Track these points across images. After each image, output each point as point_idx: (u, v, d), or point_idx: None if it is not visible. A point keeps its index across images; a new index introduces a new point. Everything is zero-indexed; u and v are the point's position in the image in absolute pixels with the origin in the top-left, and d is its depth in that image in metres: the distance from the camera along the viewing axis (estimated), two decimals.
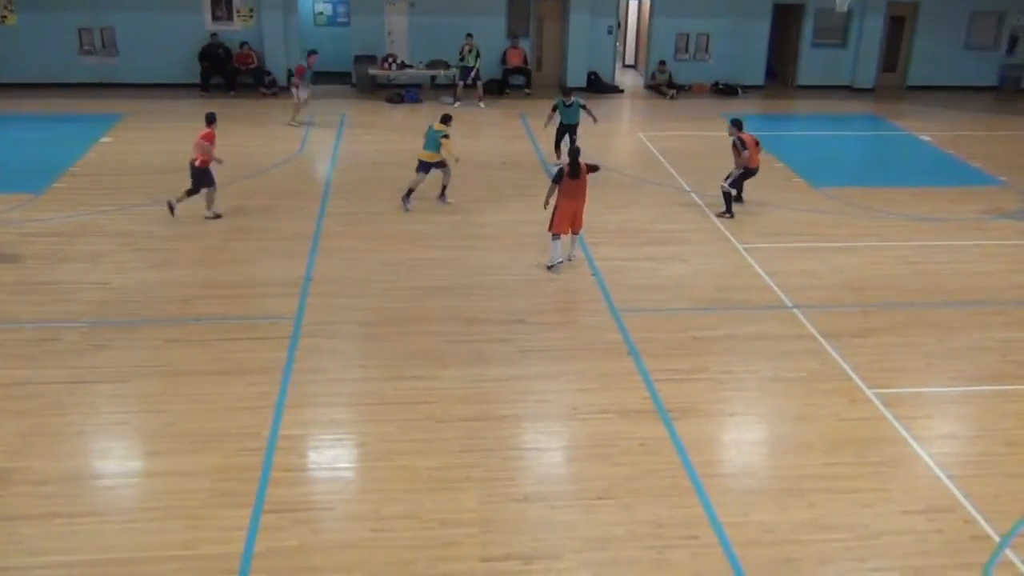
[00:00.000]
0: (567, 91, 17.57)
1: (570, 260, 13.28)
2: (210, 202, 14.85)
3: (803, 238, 14.60)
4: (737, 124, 15.56)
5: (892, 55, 26.16)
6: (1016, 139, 21.69)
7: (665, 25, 25.36)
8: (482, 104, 22.92)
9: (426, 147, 15.26)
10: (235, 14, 23.94)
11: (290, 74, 22.05)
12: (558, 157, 17.51)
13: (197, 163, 14.54)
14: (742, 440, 9.39)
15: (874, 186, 17.42)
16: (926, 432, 9.46)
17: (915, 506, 8.25)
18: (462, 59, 23.35)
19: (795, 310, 12.04)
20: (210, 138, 14.54)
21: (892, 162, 19.93)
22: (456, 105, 22.87)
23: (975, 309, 12.26)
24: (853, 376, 10.42)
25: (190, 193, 14.78)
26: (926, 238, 14.77)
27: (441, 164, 15.45)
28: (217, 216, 14.81)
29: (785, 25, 25.74)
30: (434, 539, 7.66)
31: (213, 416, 9.32)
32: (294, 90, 20.74)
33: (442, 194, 15.83)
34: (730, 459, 9.05)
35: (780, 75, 26.52)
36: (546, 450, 9.04)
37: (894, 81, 26.27)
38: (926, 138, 21.18)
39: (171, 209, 14.80)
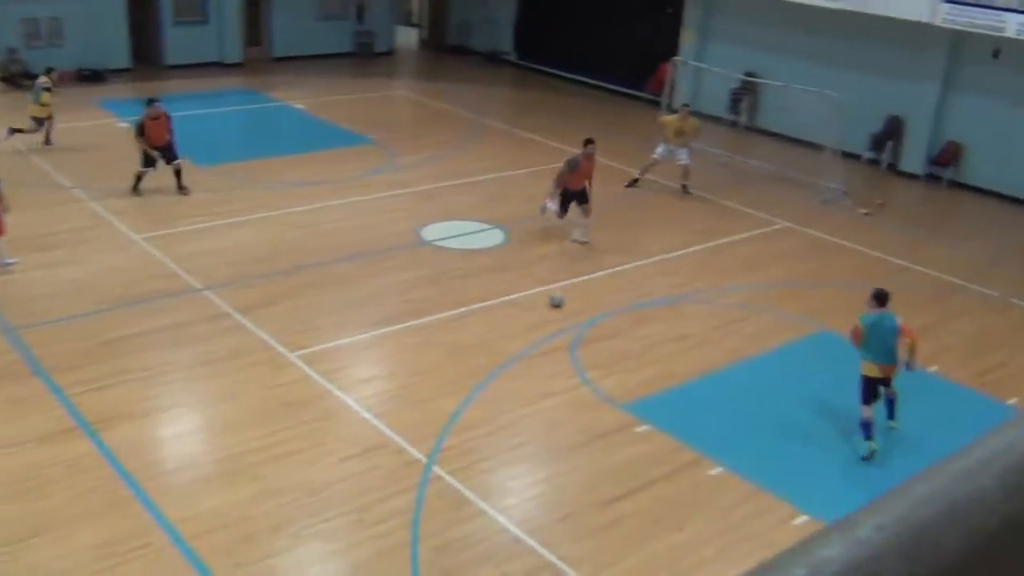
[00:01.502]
0: None
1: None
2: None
3: (200, 219, 14.48)
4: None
5: (255, 29, 26.82)
6: (376, 100, 23.77)
7: (7, 11, 22.97)
8: None
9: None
10: None
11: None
12: None
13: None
14: (178, 433, 9.15)
15: (260, 158, 17.83)
16: (348, 381, 10.10)
17: (351, 451, 8.80)
18: None
19: (206, 292, 11.95)
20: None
21: (273, 132, 20.61)
22: None
23: (369, 259, 13.30)
24: (274, 344, 10.70)
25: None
26: (316, 200, 15.58)
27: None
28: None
29: (142, 4, 24.92)
30: None
31: None
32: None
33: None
34: (169, 456, 8.78)
35: (147, 56, 25.70)
36: None
37: (261, 54, 26.99)
38: (299, 106, 22.20)
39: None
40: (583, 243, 14.18)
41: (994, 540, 1.04)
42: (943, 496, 1.08)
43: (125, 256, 12.97)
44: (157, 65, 25.33)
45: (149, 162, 15.28)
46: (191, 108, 21.85)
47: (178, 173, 15.47)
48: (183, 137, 18.04)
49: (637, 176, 17.05)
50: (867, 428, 9.16)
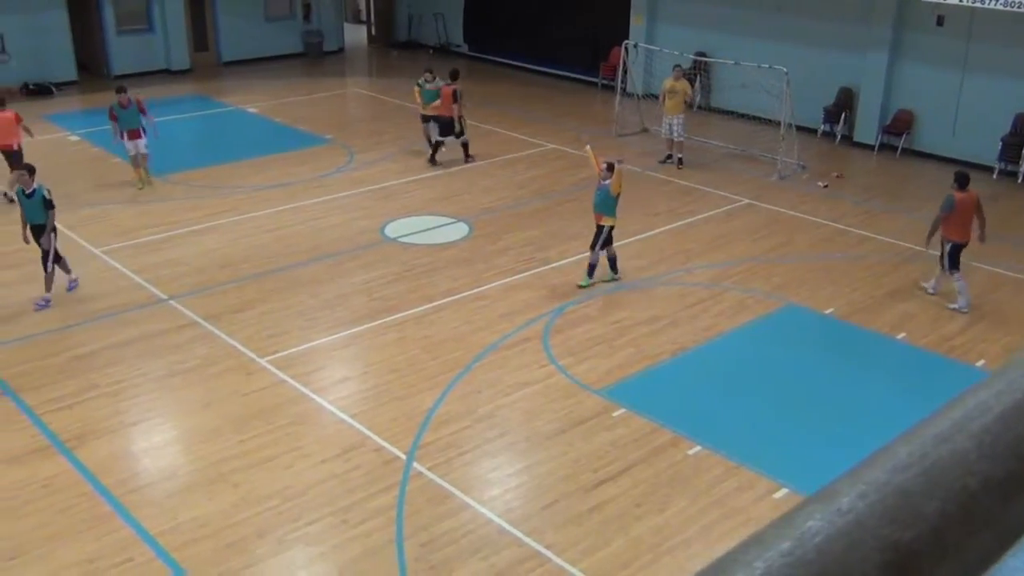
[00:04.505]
0: None
1: None
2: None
3: (161, 228, 14.34)
4: (453, 75, 17.59)
5: (201, 34, 26.54)
6: (330, 99, 23.64)
7: None
8: None
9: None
10: None
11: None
12: None
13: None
14: (152, 446, 9.09)
15: (217, 164, 17.67)
16: (322, 383, 10.08)
17: (330, 453, 8.80)
18: None
19: (171, 301, 11.86)
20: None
21: (228, 138, 20.42)
22: None
23: (335, 260, 13.26)
24: (244, 350, 10.64)
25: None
26: (277, 204, 15.49)
27: None
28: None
29: (84, 15, 24.57)
30: None
31: None
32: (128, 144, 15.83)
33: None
34: (145, 469, 8.72)
35: (93, 67, 25.36)
36: None
37: (209, 59, 26.72)
38: (253, 110, 22.03)
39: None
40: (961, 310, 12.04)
41: (974, 500, 1.09)
42: (922, 460, 1.12)
43: (86, 270, 12.81)
44: (104, 76, 24.99)
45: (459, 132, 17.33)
46: None
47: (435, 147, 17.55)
48: None
49: (668, 152, 17.87)
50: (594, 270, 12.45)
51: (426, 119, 17.72)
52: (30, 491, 8.20)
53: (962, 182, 12.03)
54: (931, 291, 12.33)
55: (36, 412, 9.39)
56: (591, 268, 12.36)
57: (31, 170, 11.90)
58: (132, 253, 13.35)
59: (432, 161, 17.52)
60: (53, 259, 11.72)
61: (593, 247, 12.34)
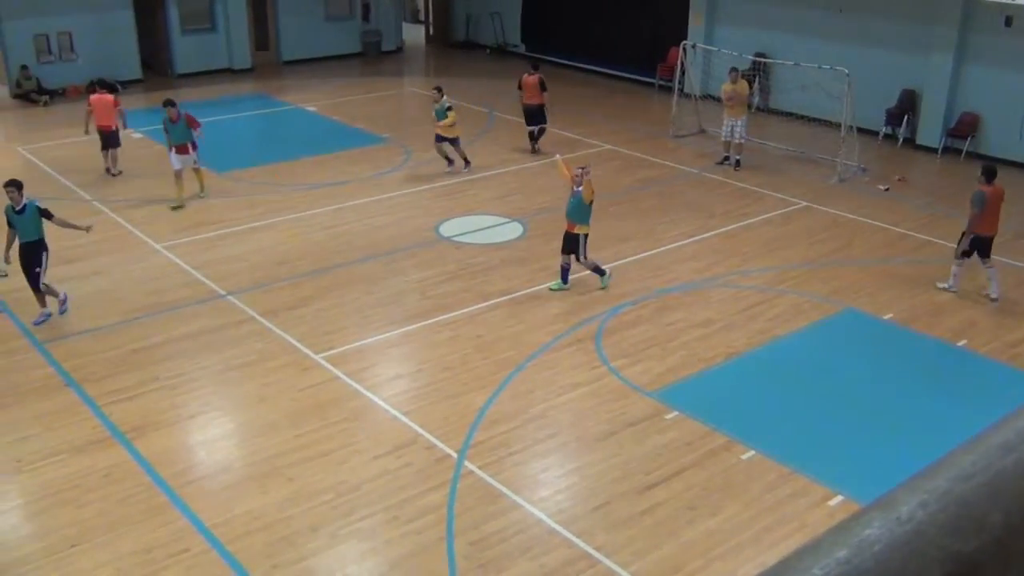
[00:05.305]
0: None
1: None
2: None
3: (220, 225, 14.58)
4: (534, 66, 18.55)
5: (262, 34, 26.93)
6: (387, 98, 23.82)
7: (18, 27, 23.18)
8: None
9: None
10: None
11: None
12: None
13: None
14: (208, 439, 9.24)
15: (275, 162, 17.90)
16: (376, 380, 10.17)
17: (383, 449, 8.86)
18: None
19: (230, 297, 12.05)
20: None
21: (287, 136, 20.67)
22: None
23: (390, 258, 13.36)
24: (300, 346, 10.77)
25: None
26: (334, 202, 15.65)
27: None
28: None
29: (149, 14, 25.07)
30: None
31: None
32: (174, 158, 15.42)
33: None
34: (201, 461, 8.87)
35: (157, 66, 25.86)
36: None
37: (269, 59, 27.10)
38: (311, 108, 22.28)
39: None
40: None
41: None
42: (986, 470, 1.09)
43: (148, 265, 13.09)
44: (168, 74, 25.49)
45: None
46: (204, 115, 21.89)
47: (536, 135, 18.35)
48: (201, 144, 18.14)
49: (726, 154, 17.82)
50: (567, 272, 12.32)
51: (439, 139, 16.90)
52: (92, 480, 8.39)
53: (989, 176, 12.12)
54: (993, 296, 12.09)
55: (98, 403, 9.61)
56: (599, 272, 12.28)
57: (19, 186, 11.18)
58: (192, 249, 13.59)
59: (534, 149, 18.34)
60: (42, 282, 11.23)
61: (579, 258, 12.13)
